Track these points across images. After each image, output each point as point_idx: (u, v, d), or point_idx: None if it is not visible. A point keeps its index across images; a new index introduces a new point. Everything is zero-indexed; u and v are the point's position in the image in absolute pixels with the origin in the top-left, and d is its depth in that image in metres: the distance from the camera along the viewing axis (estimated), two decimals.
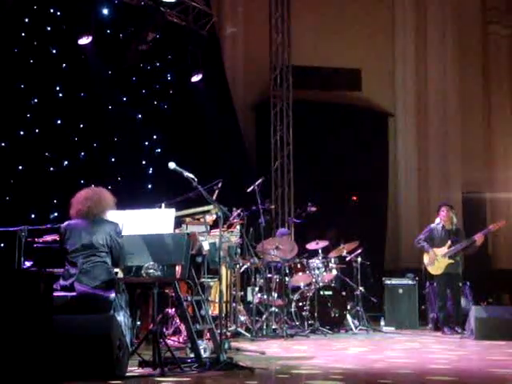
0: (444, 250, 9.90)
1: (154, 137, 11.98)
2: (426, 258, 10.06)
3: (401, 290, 10.96)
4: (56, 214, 9.65)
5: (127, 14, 11.26)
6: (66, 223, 6.07)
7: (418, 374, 5.78)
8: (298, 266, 10.25)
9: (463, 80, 16.26)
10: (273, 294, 9.65)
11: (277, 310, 9.48)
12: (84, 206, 6.04)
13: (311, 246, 10.47)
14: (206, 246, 7.04)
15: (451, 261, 9.87)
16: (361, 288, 10.49)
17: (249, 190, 9.36)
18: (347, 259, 10.67)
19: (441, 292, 9.99)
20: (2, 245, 8.79)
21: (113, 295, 5.83)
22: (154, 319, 5.78)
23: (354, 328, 10.01)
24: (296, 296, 10.01)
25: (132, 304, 6.25)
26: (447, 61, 16.19)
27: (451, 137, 16.10)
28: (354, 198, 15.06)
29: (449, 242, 9.92)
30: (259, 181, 9.36)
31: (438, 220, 10.15)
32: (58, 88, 10.47)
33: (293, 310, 9.87)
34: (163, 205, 7.37)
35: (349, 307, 10.31)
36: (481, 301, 11.88)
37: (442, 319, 9.95)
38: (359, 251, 10.57)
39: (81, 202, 6.07)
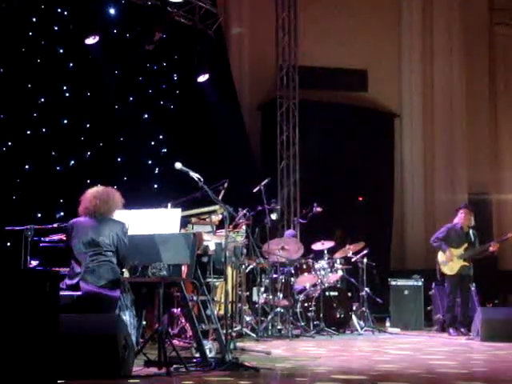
0: (460, 251, 9.88)
1: (160, 137, 11.98)
2: (441, 257, 10.02)
3: (406, 291, 10.95)
4: (62, 214, 9.66)
5: (134, 13, 11.27)
6: (72, 221, 6.10)
7: (424, 375, 5.78)
8: (304, 266, 10.24)
9: (470, 81, 16.21)
10: (278, 294, 9.65)
11: (282, 310, 9.47)
12: (91, 204, 6.06)
13: (317, 246, 10.47)
14: (211, 246, 7.05)
15: (466, 263, 9.85)
16: (366, 289, 10.49)
17: (255, 190, 9.36)
18: (353, 260, 10.67)
19: (451, 293, 9.95)
20: (9, 244, 8.81)
21: (118, 295, 5.84)
22: (159, 319, 5.79)
23: (359, 329, 10.01)
24: (301, 296, 10.01)
25: (138, 304, 6.26)
26: (454, 61, 16.15)
27: (457, 138, 16.06)
28: (360, 198, 15.03)
29: (465, 244, 9.90)
30: (265, 181, 9.36)
31: (456, 220, 10.12)
32: (64, 87, 10.50)
33: (298, 310, 9.86)
34: (169, 205, 7.38)
35: (354, 308, 10.31)
36: (487, 302, 11.86)
37: (449, 320, 9.93)
38: (365, 252, 10.56)
39: (88, 200, 6.08)
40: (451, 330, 9.75)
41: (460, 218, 10.06)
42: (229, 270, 8.11)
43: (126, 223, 6.16)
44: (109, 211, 6.11)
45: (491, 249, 9.85)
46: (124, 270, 6.10)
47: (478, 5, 16.60)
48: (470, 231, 10.05)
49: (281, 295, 9.69)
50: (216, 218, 7.70)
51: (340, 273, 10.48)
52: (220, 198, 7.41)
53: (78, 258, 5.91)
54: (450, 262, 9.89)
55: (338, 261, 10.51)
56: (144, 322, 6.73)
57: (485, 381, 5.55)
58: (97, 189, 6.23)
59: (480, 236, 10.16)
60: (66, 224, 6.30)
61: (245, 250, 8.76)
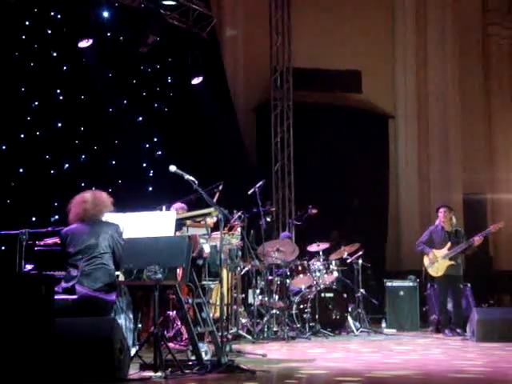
0: (444, 251, 9.88)
1: (155, 139, 11.98)
2: (426, 260, 10.05)
3: (402, 292, 10.96)
4: (57, 217, 9.64)
5: (127, 16, 11.26)
6: (65, 229, 6.09)
7: (419, 375, 5.78)
8: (299, 268, 10.25)
9: (464, 81, 16.26)
10: (274, 296, 9.65)
11: (278, 312, 9.47)
12: (81, 208, 6.07)
13: (312, 248, 10.47)
14: (206, 249, 7.04)
15: (452, 262, 9.85)
16: (362, 290, 10.49)
17: (249, 192, 9.36)
18: (348, 261, 10.67)
19: (442, 294, 9.97)
20: (3, 248, 8.79)
21: (114, 298, 5.83)
22: (155, 322, 5.78)
23: (355, 330, 10.00)
24: (297, 298, 10.00)
25: (133, 307, 6.25)
26: (448, 62, 16.19)
27: (452, 138, 16.10)
28: (356, 200, 15.02)
29: (449, 244, 9.90)
30: (260, 183, 9.36)
31: (437, 222, 10.15)
32: (58, 91, 10.48)
33: (294, 312, 9.85)
34: (164, 207, 7.37)
35: (350, 309, 10.30)
36: (482, 302, 11.88)
37: (443, 321, 9.94)
38: (360, 253, 10.57)
39: (77, 206, 6.10)
40: (446, 331, 9.76)
41: (440, 218, 10.08)
42: (224, 273, 8.11)
43: (121, 226, 6.16)
44: (99, 212, 6.11)
45: (476, 244, 9.83)
46: (119, 273, 6.09)
47: (471, 5, 16.64)
48: (454, 230, 10.03)
49: (276, 297, 9.70)
50: (211, 221, 7.68)
51: (335, 274, 10.48)
52: (215, 200, 7.41)
53: (74, 262, 5.91)
54: (435, 263, 9.89)
55: (334, 262, 10.51)
56: (139, 325, 6.72)
57: (481, 381, 5.55)
58: (82, 194, 6.24)
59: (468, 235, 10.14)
60: (60, 231, 6.29)
61: (240, 252, 8.76)
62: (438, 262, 9.87)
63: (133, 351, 5.90)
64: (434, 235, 10.07)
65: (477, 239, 9.74)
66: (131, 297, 6.23)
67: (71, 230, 6.05)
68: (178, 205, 8.17)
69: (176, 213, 7.07)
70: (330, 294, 10.13)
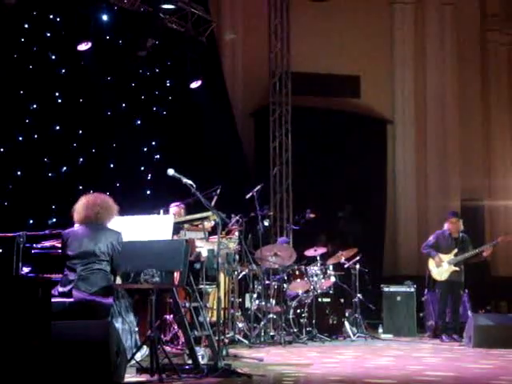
0: (450, 257, 9.90)
1: (153, 143, 11.98)
2: (431, 264, 10.05)
3: (399, 298, 10.96)
4: (54, 220, 9.64)
5: (126, 20, 11.27)
6: (68, 230, 6.09)
7: (416, 381, 5.78)
8: (297, 272, 10.24)
9: (462, 87, 16.28)
10: (271, 300, 9.64)
11: (275, 316, 9.47)
12: (93, 211, 6.03)
13: (309, 252, 10.47)
14: (204, 253, 7.04)
15: (456, 268, 9.89)
16: (359, 295, 10.49)
17: (247, 196, 9.36)
18: (345, 266, 10.66)
19: (442, 299, 9.98)
20: (0, 250, 8.78)
21: (111, 302, 5.83)
22: (151, 325, 5.78)
23: (351, 335, 10.00)
24: (294, 303, 10.00)
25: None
26: (446, 68, 16.22)
27: (450, 144, 16.11)
28: (349, 206, 14.92)
29: (455, 250, 9.93)
30: (258, 187, 9.37)
31: (445, 227, 10.16)
32: (56, 94, 10.48)
33: (291, 316, 9.84)
34: (161, 211, 7.37)
35: (347, 314, 10.31)
36: (479, 308, 11.88)
37: (441, 326, 9.94)
38: (357, 258, 10.57)
39: (90, 208, 6.05)
40: (444, 337, 9.76)
41: (450, 227, 10.10)
42: (221, 277, 8.09)
43: (119, 230, 6.15)
44: (109, 219, 6.10)
45: (485, 254, 9.88)
46: (117, 276, 6.09)
47: (469, 11, 16.66)
48: (461, 236, 10.08)
49: (273, 301, 9.69)
50: (209, 225, 7.69)
51: (333, 279, 10.47)
52: (213, 204, 7.40)
53: (72, 266, 5.90)
54: (440, 267, 9.92)
55: (331, 267, 10.51)
56: (136, 329, 6.70)
57: None
58: (94, 196, 6.20)
59: (472, 242, 10.18)
60: (60, 232, 6.28)
61: (237, 257, 8.75)
62: (442, 267, 9.90)
63: (138, 355, 5.91)
64: (441, 240, 10.10)
65: (486, 249, 9.79)
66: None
67: (73, 232, 6.04)
68: (174, 204, 8.20)
69: (172, 213, 7.07)
70: (327, 299, 10.14)
